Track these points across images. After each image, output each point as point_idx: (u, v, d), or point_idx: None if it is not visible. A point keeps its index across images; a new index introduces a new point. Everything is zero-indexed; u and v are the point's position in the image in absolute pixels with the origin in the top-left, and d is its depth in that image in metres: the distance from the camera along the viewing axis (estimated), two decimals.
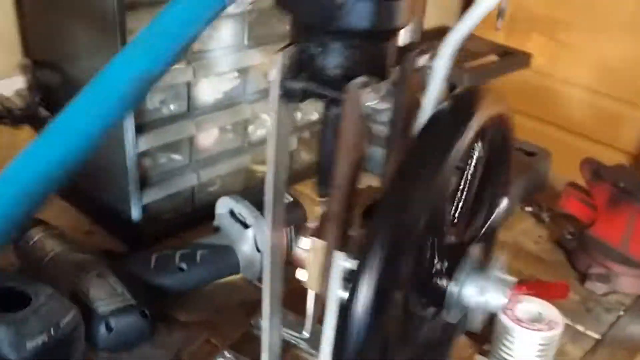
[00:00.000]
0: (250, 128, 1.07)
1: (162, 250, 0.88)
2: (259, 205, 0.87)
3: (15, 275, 0.80)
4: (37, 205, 0.43)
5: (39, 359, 0.71)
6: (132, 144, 0.92)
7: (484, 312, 0.56)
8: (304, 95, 0.52)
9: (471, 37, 1.35)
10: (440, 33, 1.35)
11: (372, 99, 0.50)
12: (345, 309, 0.47)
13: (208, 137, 1.01)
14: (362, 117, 0.51)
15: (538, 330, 0.81)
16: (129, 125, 0.90)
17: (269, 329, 0.62)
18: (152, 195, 0.97)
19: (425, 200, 0.46)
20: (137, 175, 0.94)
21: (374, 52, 0.53)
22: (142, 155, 0.94)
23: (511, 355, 0.82)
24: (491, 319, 0.83)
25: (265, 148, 0.53)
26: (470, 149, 0.58)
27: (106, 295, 0.80)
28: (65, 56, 0.97)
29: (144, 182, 0.96)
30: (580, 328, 0.93)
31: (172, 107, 0.97)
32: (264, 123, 1.08)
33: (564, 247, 1.07)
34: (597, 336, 0.92)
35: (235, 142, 1.05)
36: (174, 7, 0.43)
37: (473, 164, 0.59)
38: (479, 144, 0.59)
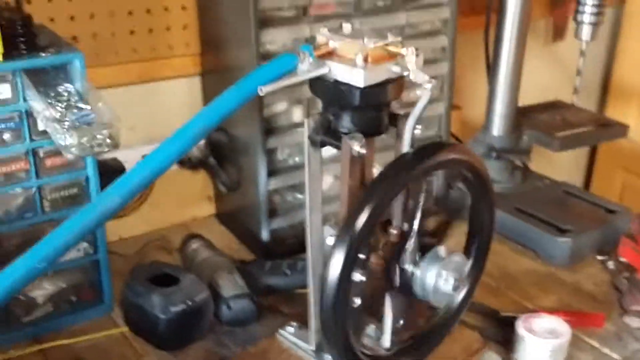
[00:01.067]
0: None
1: (276, 259, 1.22)
2: None
3: (173, 267, 1.17)
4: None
5: (178, 319, 1.07)
6: (264, 184, 1.27)
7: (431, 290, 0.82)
8: (322, 144, 0.83)
9: (574, 110, 1.57)
10: (549, 106, 1.57)
11: (359, 147, 0.80)
12: None
13: (324, 183, 1.34)
14: (355, 157, 0.80)
15: (544, 338, 1.02)
16: (262, 170, 1.26)
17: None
18: (279, 224, 1.32)
19: (375, 211, 0.74)
20: (267, 207, 1.29)
21: (369, 119, 0.82)
22: (272, 193, 1.30)
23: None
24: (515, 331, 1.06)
25: None
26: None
27: (230, 286, 1.15)
28: (229, 123, 1.36)
29: (273, 213, 1.31)
30: (605, 350, 1.11)
31: (296, 159, 1.31)
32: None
33: (618, 289, 1.25)
34: (618, 357, 1.09)
35: None
36: (225, 95, 0.76)
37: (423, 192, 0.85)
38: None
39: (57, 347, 1.10)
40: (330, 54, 0.80)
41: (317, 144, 0.84)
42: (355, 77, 0.77)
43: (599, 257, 1.35)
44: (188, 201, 1.46)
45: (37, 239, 1.10)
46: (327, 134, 0.84)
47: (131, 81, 1.30)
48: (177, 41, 1.34)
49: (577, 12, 1.31)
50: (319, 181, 0.89)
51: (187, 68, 1.37)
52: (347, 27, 0.82)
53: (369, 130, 0.83)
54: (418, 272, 0.82)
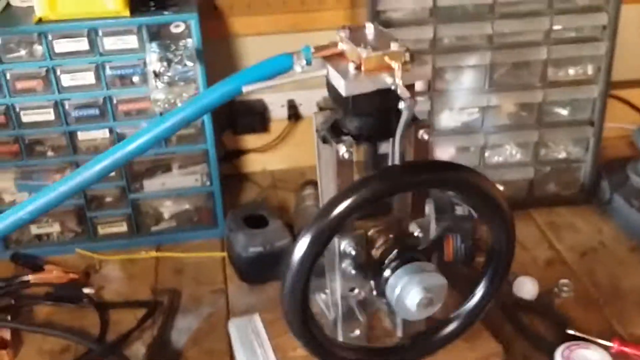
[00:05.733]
0: (488, 153, 1.34)
1: None
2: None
3: (269, 210, 1.29)
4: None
5: (255, 259, 1.20)
6: None
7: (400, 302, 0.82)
8: (324, 139, 0.86)
9: None
10: None
11: (344, 151, 0.81)
12: None
13: (445, 154, 1.34)
14: (342, 160, 0.82)
15: None
16: None
17: None
18: None
19: (348, 209, 0.76)
20: None
21: (364, 125, 0.82)
22: None
23: None
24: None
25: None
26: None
27: None
28: None
29: None
30: None
31: None
32: (502, 151, 1.35)
33: None
34: None
35: (471, 163, 1.34)
36: (211, 90, 0.82)
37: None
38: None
39: (167, 257, 1.30)
40: (338, 56, 0.82)
41: (321, 138, 0.87)
42: (340, 85, 0.78)
43: None
44: None
45: (163, 167, 1.30)
46: (331, 130, 0.85)
47: (280, 30, 1.40)
48: None
49: None
50: (332, 169, 0.92)
51: (338, 20, 1.42)
52: (369, 27, 0.83)
53: (381, 134, 0.83)
54: (392, 279, 0.83)
